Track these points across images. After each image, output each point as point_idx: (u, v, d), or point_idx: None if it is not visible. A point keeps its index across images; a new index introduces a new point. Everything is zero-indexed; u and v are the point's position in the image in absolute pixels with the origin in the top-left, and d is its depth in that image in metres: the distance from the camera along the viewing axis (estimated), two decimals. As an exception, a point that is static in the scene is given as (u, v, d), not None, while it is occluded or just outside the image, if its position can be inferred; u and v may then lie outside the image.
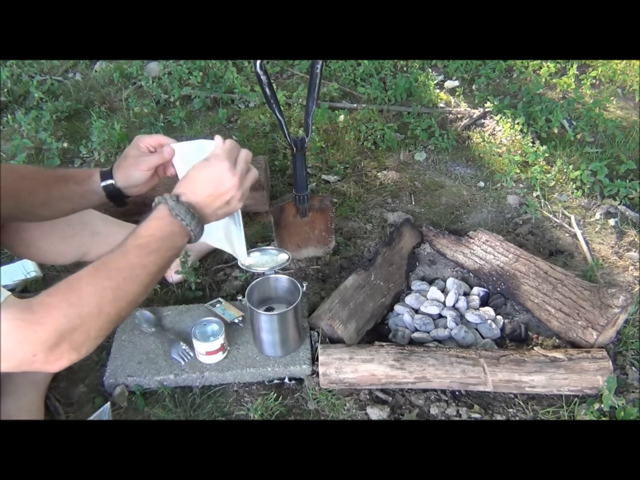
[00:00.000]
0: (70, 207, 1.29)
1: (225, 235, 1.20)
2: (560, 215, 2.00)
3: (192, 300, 1.66)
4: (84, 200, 1.26)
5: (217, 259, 1.80)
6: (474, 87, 2.76)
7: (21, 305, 0.87)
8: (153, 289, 1.66)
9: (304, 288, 1.45)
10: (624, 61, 2.83)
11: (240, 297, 1.55)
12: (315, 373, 1.42)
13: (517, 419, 1.35)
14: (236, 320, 1.53)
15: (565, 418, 1.33)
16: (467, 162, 2.29)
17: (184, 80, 2.80)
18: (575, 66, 2.74)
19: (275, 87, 2.22)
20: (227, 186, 1.05)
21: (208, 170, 1.05)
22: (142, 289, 0.99)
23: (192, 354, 1.45)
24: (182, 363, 1.43)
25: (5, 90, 2.77)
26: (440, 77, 2.86)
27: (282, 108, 1.59)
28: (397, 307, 1.61)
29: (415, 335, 1.53)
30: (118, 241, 1.55)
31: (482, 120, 2.50)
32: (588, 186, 2.08)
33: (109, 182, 1.22)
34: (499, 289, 1.66)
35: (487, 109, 2.53)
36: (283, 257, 1.51)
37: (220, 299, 1.61)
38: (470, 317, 1.57)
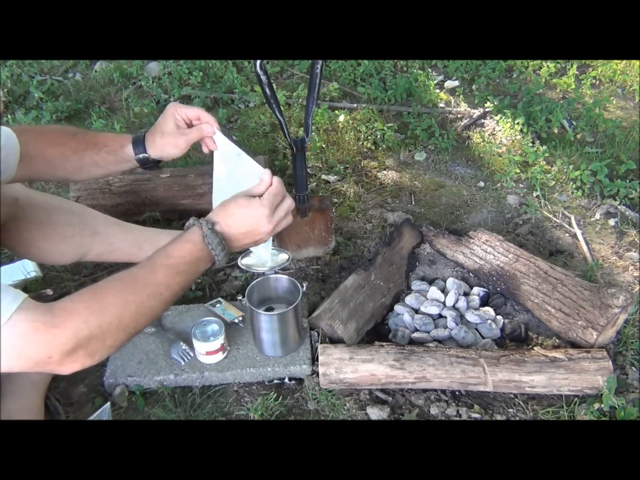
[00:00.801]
0: (103, 173, 1.32)
1: None
2: (560, 215, 2.00)
3: (192, 300, 1.66)
4: (117, 167, 1.29)
5: (217, 259, 1.80)
6: (474, 87, 2.76)
7: (42, 308, 0.89)
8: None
9: (304, 288, 1.45)
10: (624, 61, 2.83)
11: (240, 297, 1.55)
12: (315, 373, 1.42)
13: (517, 419, 1.35)
14: (236, 320, 1.53)
15: (565, 418, 1.33)
16: (467, 162, 2.29)
17: (184, 80, 2.80)
18: (575, 66, 2.74)
19: (275, 87, 2.22)
20: (260, 230, 1.09)
21: (248, 210, 1.07)
22: (162, 306, 1.02)
23: (192, 354, 1.45)
24: (182, 363, 1.43)
25: (5, 90, 2.77)
26: (440, 77, 2.86)
27: (282, 108, 1.59)
28: (397, 307, 1.61)
29: (415, 335, 1.53)
30: (118, 241, 1.58)
31: (482, 120, 2.50)
32: (588, 186, 2.08)
33: (143, 155, 1.24)
34: (499, 289, 1.66)
35: (487, 109, 2.53)
36: (283, 257, 1.51)
37: (220, 299, 1.61)
38: (470, 317, 1.57)
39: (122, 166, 1.28)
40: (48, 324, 0.87)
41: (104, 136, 1.28)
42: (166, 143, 1.22)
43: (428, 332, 1.54)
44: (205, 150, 1.23)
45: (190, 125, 1.22)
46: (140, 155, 1.24)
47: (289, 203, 1.12)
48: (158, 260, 1.01)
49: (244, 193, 1.09)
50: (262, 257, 1.30)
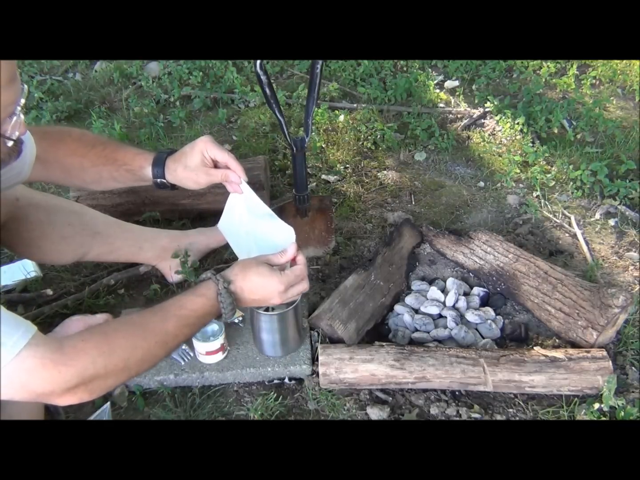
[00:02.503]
0: (121, 186, 1.38)
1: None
2: (560, 215, 2.00)
3: (192, 300, 1.65)
4: (134, 184, 1.32)
5: (217, 259, 1.80)
6: (474, 87, 2.76)
7: (52, 345, 0.91)
8: (153, 289, 1.66)
9: (304, 288, 1.45)
10: (624, 61, 2.82)
11: (240, 297, 1.55)
12: (315, 373, 1.42)
13: (517, 419, 1.35)
14: (236, 320, 1.53)
15: (565, 418, 1.33)
16: (467, 162, 2.29)
17: (184, 80, 2.80)
18: (575, 66, 2.74)
19: (275, 87, 2.22)
20: (269, 301, 1.15)
21: (265, 281, 1.11)
22: (165, 354, 1.05)
23: (192, 354, 1.45)
24: (182, 363, 1.43)
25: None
26: (440, 77, 2.86)
27: (282, 108, 1.59)
28: (397, 307, 1.61)
29: (415, 335, 1.53)
30: (118, 241, 1.58)
31: (482, 120, 2.50)
32: (588, 186, 2.08)
33: (161, 180, 1.25)
34: (499, 289, 1.66)
35: (487, 109, 2.52)
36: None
37: (220, 299, 1.61)
38: (470, 317, 1.57)
39: (140, 183, 1.30)
40: (56, 361, 0.89)
41: (124, 153, 1.27)
42: (187, 177, 1.23)
43: (428, 332, 1.54)
44: (229, 190, 1.26)
45: (216, 166, 1.23)
46: (158, 180, 1.25)
47: (304, 286, 1.17)
48: (171, 309, 1.04)
49: (265, 260, 1.13)
50: None
